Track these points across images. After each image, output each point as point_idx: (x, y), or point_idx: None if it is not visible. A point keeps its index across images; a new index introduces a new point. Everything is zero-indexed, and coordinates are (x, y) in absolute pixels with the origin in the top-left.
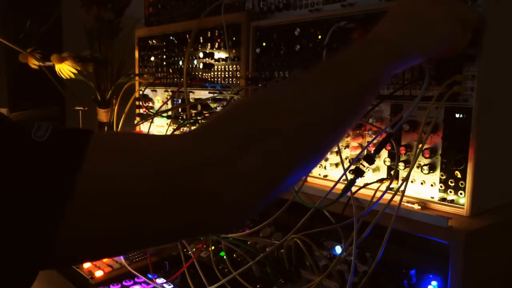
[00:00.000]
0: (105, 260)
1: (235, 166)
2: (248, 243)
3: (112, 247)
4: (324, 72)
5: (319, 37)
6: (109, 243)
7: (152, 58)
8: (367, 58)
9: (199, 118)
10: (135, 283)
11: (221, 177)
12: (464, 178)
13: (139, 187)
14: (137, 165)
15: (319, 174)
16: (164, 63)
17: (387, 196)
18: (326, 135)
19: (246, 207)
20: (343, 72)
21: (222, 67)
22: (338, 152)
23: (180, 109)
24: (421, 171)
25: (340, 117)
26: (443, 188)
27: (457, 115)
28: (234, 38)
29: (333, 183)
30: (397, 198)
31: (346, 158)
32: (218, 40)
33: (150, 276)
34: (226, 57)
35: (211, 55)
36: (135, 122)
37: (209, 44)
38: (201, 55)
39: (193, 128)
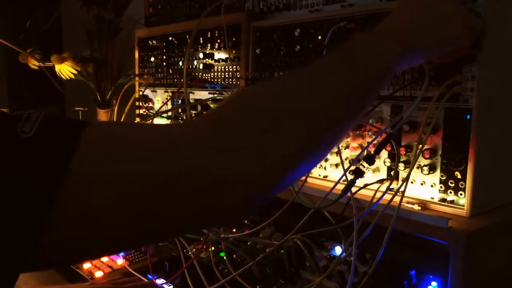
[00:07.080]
0: (105, 260)
1: (248, 150)
2: (248, 243)
3: (114, 243)
4: (335, 61)
5: (319, 37)
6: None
7: (152, 59)
8: (378, 49)
9: None
10: None
11: (233, 162)
12: (464, 178)
13: (141, 178)
14: (139, 156)
15: (319, 175)
16: (164, 63)
17: (387, 196)
18: (334, 124)
19: (258, 192)
20: (354, 62)
21: (222, 67)
22: (338, 153)
23: (180, 110)
24: (421, 171)
25: (350, 107)
26: (443, 188)
27: (457, 116)
28: (234, 39)
29: (333, 184)
30: (397, 198)
31: (346, 159)
32: (218, 40)
33: (150, 276)
34: (226, 58)
35: (211, 56)
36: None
37: (209, 45)
38: (201, 55)
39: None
